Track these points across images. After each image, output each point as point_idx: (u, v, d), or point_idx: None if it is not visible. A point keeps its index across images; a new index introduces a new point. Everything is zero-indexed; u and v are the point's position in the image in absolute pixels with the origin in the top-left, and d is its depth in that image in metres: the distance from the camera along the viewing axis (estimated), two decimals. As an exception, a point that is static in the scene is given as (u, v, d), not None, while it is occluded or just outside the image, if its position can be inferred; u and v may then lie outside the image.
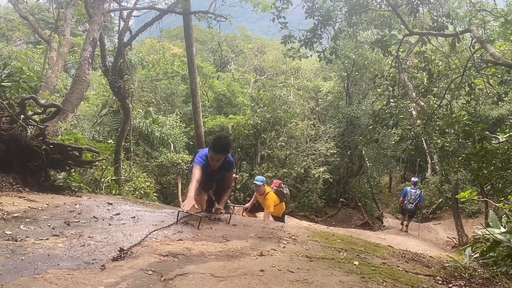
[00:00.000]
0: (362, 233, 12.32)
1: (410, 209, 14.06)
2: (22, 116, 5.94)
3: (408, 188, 14.25)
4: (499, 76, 7.75)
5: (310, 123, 20.78)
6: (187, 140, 19.22)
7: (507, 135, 7.68)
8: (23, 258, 2.76)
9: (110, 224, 4.15)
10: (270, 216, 8.40)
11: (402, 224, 14.98)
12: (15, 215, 4.02)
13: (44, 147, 5.81)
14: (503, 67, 7.53)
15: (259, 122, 20.02)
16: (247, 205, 8.59)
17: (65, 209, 4.60)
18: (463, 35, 9.53)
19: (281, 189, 8.41)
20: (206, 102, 24.67)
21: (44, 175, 6.18)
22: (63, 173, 6.93)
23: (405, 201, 14.04)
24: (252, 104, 22.25)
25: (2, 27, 25.27)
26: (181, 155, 16.65)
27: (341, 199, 19.22)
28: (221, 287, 2.61)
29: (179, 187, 15.89)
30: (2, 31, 25.15)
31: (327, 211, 19.31)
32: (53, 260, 2.79)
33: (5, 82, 7.34)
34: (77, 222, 4.09)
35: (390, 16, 10.84)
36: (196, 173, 4.68)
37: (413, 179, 15.32)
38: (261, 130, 20.27)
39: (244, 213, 8.49)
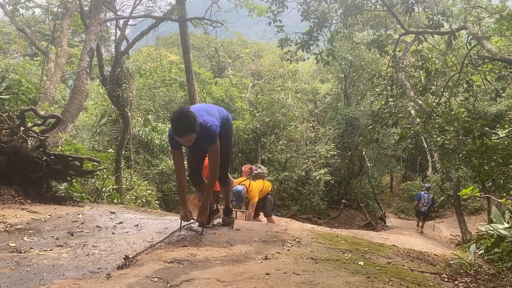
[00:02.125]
0: (365, 233, 12.29)
1: (423, 212, 15.56)
2: (22, 128, 5.94)
3: (422, 193, 15.73)
4: (497, 72, 7.77)
5: (309, 125, 20.81)
6: (187, 147, 19.17)
7: (507, 130, 7.69)
8: (28, 269, 2.76)
9: (113, 233, 4.14)
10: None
11: (417, 225, 16.24)
12: (18, 227, 4.02)
13: (45, 158, 5.80)
14: (500, 62, 7.55)
15: (259, 126, 20.03)
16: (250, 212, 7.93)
17: (68, 220, 4.59)
18: (459, 32, 9.55)
19: (255, 171, 7.98)
20: (205, 108, 24.64)
21: (45, 186, 6.17)
22: (64, 183, 6.92)
23: (420, 205, 15.50)
24: (251, 109, 22.28)
25: (-1, 40, 25.35)
26: (181, 162, 16.59)
27: (343, 201, 19.21)
28: (227, 291, 2.61)
29: (181, 194, 15.82)
30: (-1, 44, 25.23)
31: (329, 213, 19.28)
32: (58, 271, 2.79)
33: (3, 95, 7.35)
34: (80, 232, 4.08)
35: (386, 16, 10.89)
36: (177, 165, 4.23)
37: (426, 185, 16.79)
38: (261, 134, 20.28)
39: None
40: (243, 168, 8.76)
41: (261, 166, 8.64)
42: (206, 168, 6.39)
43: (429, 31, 8.15)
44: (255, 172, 7.96)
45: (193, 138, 3.85)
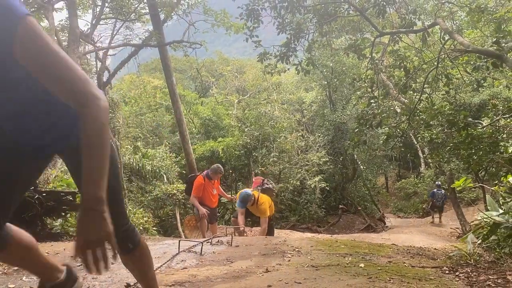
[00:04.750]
0: (366, 236, 12.31)
1: (439, 206, 17.42)
2: (10, 168, 5.91)
3: (435, 190, 17.44)
4: (472, 63, 7.95)
5: (298, 135, 20.90)
6: (179, 169, 19.20)
7: (490, 119, 7.84)
8: (29, 309, 2.74)
9: (112, 263, 4.12)
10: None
11: (432, 217, 18.17)
12: (15, 268, 3.98)
13: (36, 196, 5.78)
14: (475, 54, 7.74)
15: (249, 141, 20.08)
16: (241, 223, 7.19)
17: (66, 255, 4.56)
18: (433, 28, 9.77)
19: (267, 185, 7.58)
20: (193, 129, 24.75)
21: (40, 224, 6.13)
22: (59, 219, 6.88)
23: (434, 200, 17.36)
24: (239, 125, 22.37)
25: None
26: (175, 186, 16.60)
27: (340, 206, 19.21)
28: (230, 308, 2.61)
29: (178, 218, 15.78)
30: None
31: (328, 219, 19.24)
32: (59, 307, 2.77)
33: (-11, 138, 7.33)
34: (79, 265, 4.06)
35: (360, 20, 11.09)
36: None
37: (436, 183, 18.23)
38: (252, 148, 20.33)
39: (236, 233, 7.64)
40: (254, 179, 8.39)
41: (272, 183, 8.18)
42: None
43: (402, 30, 8.34)
44: (266, 185, 7.58)
45: None
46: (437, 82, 8.67)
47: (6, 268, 3.92)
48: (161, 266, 3.68)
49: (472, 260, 4.25)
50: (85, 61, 17.91)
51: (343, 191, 21.08)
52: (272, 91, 25.12)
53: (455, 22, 13.40)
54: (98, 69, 13.28)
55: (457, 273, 3.75)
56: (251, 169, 20.59)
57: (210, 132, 24.90)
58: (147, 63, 40.70)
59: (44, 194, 5.97)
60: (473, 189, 17.86)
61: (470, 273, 3.76)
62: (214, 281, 3.21)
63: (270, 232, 7.70)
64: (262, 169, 19.45)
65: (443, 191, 17.15)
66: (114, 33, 13.56)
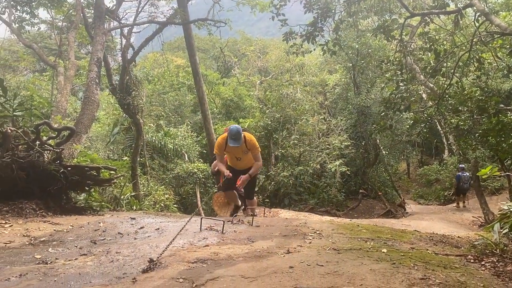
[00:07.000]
0: (386, 221, 12.19)
1: (466, 188, 17.39)
2: (37, 142, 6.03)
3: (460, 174, 17.27)
4: (507, 47, 7.61)
5: (320, 118, 20.67)
6: (200, 149, 19.33)
7: (523, 106, 7.56)
8: (55, 279, 2.80)
9: (135, 238, 4.18)
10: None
11: (457, 203, 18.20)
12: (42, 239, 4.08)
13: (62, 170, 5.89)
14: (511, 37, 7.41)
15: (269, 122, 19.99)
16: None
17: (90, 229, 4.65)
18: (466, 10, 9.38)
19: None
20: (215, 109, 24.78)
21: (65, 198, 6.26)
22: (83, 194, 7.02)
23: (461, 184, 17.24)
24: (260, 106, 22.26)
25: (8, 59, 25.71)
26: (196, 165, 16.76)
27: (360, 191, 19.04)
28: (253, 287, 2.61)
29: (198, 196, 15.97)
30: (8, 62, 25.58)
31: (348, 204, 19.14)
32: (84, 278, 2.83)
33: (17, 112, 7.46)
34: (103, 239, 4.13)
35: (389, 0, 10.76)
36: None
37: (460, 165, 18.02)
38: (272, 130, 20.24)
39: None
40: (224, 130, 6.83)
41: None
42: None
43: (434, 11, 8.03)
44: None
45: None
46: (468, 67, 8.35)
47: (32, 239, 4.02)
48: (175, 236, 3.70)
49: (498, 249, 4.14)
50: (110, 38, 18.02)
51: (363, 176, 20.87)
52: (295, 72, 24.81)
53: (488, 4, 12.87)
54: (122, 46, 13.31)
55: (482, 263, 3.66)
56: (271, 151, 20.54)
57: (231, 112, 24.89)
58: (171, 42, 40.74)
59: (69, 169, 6.07)
60: (497, 178, 17.49)
61: (496, 263, 3.67)
62: (236, 260, 3.22)
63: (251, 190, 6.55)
64: (282, 151, 19.39)
65: (467, 173, 16.80)
66: (139, 10, 13.52)
